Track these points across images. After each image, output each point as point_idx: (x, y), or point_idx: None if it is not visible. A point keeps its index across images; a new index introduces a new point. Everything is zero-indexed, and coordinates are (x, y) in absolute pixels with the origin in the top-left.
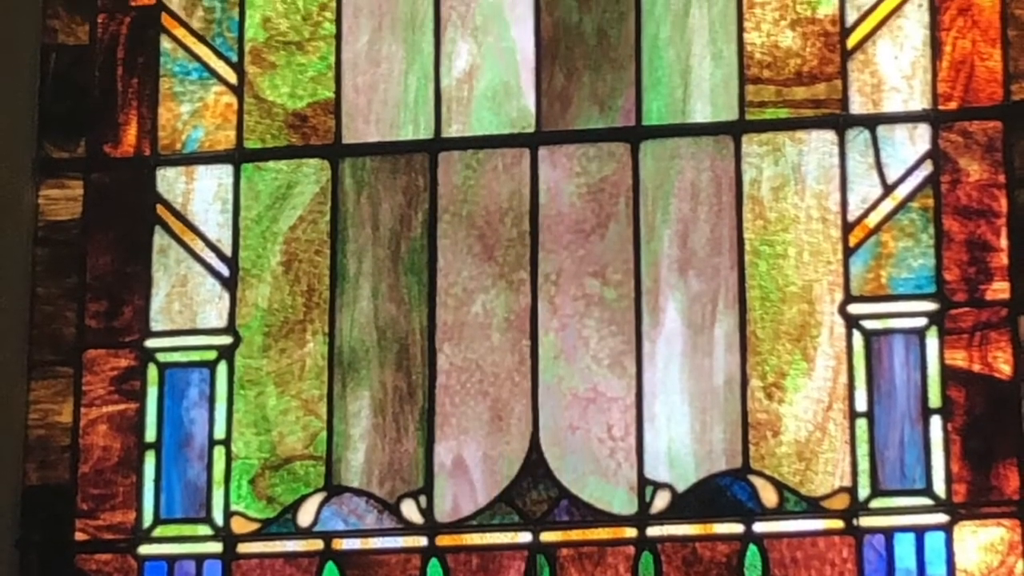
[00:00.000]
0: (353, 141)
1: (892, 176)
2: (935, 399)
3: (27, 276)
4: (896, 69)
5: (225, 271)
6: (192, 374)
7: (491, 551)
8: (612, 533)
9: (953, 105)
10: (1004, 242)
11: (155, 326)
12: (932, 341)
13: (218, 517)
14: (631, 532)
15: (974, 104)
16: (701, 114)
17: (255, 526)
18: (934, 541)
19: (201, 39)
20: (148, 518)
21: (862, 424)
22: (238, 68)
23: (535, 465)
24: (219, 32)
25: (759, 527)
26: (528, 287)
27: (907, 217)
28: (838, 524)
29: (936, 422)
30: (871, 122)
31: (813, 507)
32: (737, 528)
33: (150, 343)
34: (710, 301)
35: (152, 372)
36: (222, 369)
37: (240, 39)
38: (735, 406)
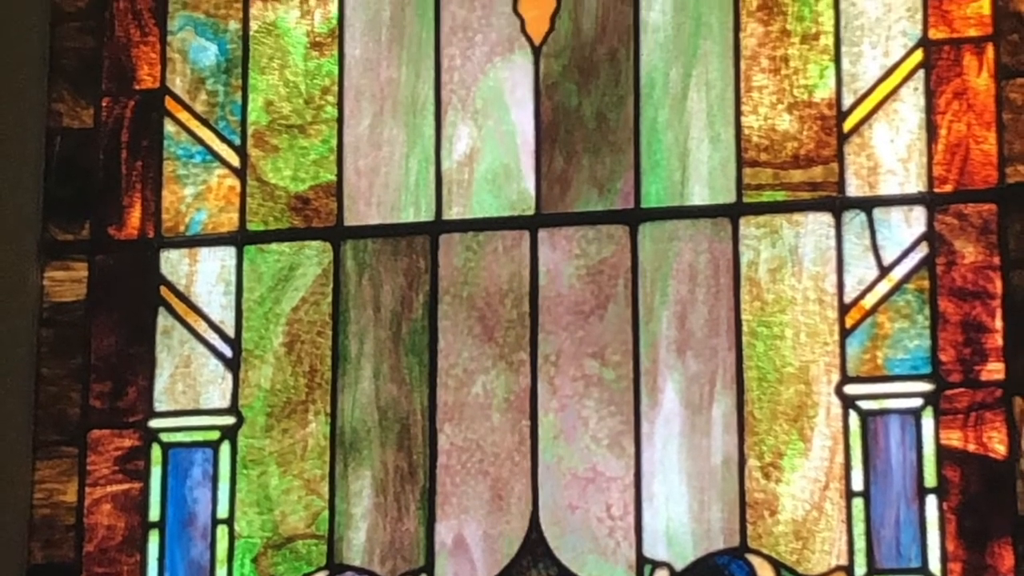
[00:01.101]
0: (355, 223)
1: (888, 258)
2: (931, 479)
3: (32, 357)
4: (892, 152)
5: (228, 352)
6: (195, 454)
7: None
8: None
9: (948, 188)
10: (999, 323)
11: (159, 406)
12: (928, 421)
13: None
14: None
15: (969, 187)
16: (699, 197)
17: None
18: None
19: (204, 122)
20: None
21: (858, 503)
22: (241, 151)
23: (535, 544)
24: (222, 115)
25: None
26: (528, 368)
27: (903, 299)
28: None
29: (932, 501)
30: (867, 205)
31: None
32: None
33: (154, 423)
34: (708, 382)
35: (156, 452)
36: (225, 449)
37: (243, 122)
38: (733, 485)
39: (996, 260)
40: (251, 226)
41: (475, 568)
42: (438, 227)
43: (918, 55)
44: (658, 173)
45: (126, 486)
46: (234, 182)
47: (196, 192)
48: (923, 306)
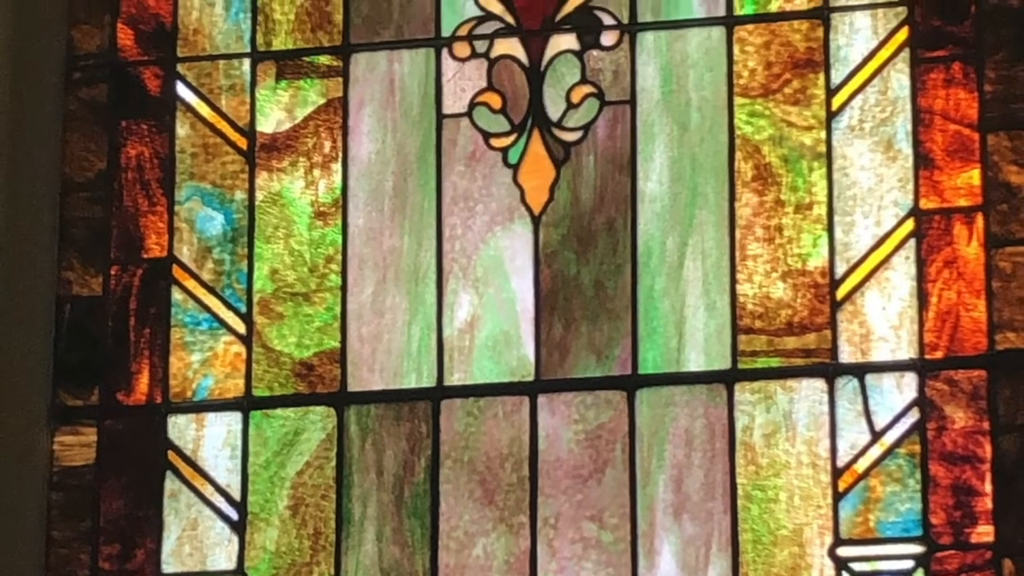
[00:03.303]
0: (358, 389)
1: (880, 423)
2: None
3: (42, 520)
4: (884, 320)
5: (234, 515)
6: None
7: None
8: None
9: (939, 354)
10: (988, 487)
11: (166, 568)
12: None
13: None
14: None
15: (959, 353)
16: (695, 363)
17: None
18: None
19: (211, 290)
20: None
21: None
22: (247, 319)
23: None
24: (228, 284)
25: None
26: (528, 531)
27: (894, 463)
28: None
29: None
30: (860, 371)
31: None
32: None
33: None
34: (704, 544)
35: None
36: None
37: (249, 290)
38: None
39: (986, 425)
40: (257, 392)
41: None
42: (440, 393)
43: (909, 224)
44: (655, 340)
45: None
46: (240, 349)
47: (203, 359)
48: (914, 470)
